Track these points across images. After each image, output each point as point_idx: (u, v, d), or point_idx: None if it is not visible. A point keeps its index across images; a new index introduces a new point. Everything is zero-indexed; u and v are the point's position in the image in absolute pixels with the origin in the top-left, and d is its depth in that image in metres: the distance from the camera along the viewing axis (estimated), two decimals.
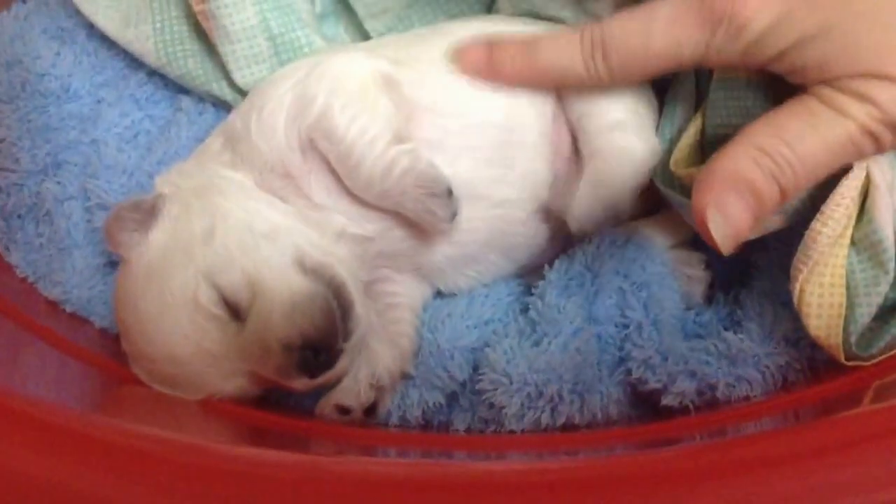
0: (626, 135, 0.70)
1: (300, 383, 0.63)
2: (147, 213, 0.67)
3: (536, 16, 0.79)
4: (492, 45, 0.69)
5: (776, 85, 0.63)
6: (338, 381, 0.67)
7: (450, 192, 0.65)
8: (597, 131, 0.71)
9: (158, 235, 0.66)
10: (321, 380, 0.64)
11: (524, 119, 0.71)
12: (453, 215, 0.66)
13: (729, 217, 0.56)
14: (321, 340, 0.62)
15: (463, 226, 0.69)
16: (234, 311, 0.63)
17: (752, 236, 0.65)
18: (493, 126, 0.70)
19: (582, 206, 0.69)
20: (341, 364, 0.64)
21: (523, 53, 0.67)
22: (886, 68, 0.54)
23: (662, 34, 0.60)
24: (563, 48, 0.66)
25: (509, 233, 0.72)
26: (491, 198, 0.70)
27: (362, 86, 0.68)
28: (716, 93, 0.66)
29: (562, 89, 0.72)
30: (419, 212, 0.66)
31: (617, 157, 0.69)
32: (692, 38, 0.59)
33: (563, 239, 0.74)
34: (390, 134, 0.66)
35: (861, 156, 0.57)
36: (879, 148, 0.56)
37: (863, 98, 0.54)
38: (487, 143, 0.70)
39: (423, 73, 0.71)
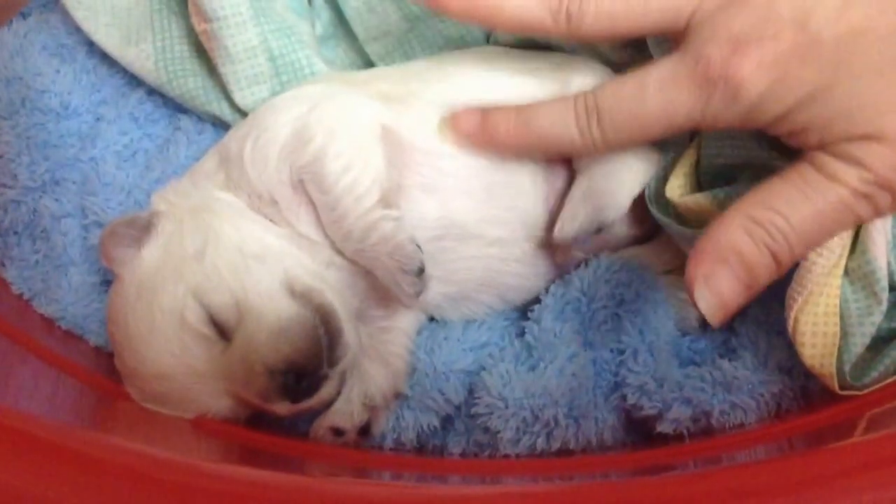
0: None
1: (282, 408, 0.63)
2: (142, 229, 0.67)
3: (535, 43, 0.80)
4: (485, 111, 0.68)
5: None
6: (323, 406, 0.67)
7: (421, 271, 0.65)
8: None
9: (151, 252, 0.66)
10: (304, 405, 0.64)
11: (516, 159, 0.71)
12: (419, 293, 0.66)
13: (716, 290, 0.56)
14: (305, 366, 0.62)
15: (458, 265, 0.70)
16: (221, 331, 0.63)
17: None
18: (485, 166, 0.70)
19: (569, 213, 0.69)
20: (325, 390, 0.64)
21: (517, 119, 0.67)
22: (885, 128, 0.53)
23: (655, 99, 0.59)
24: (557, 114, 0.64)
25: (505, 272, 0.72)
26: (485, 237, 0.70)
27: (360, 135, 0.68)
28: None
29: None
30: (387, 281, 0.66)
31: (609, 168, 0.69)
32: (686, 102, 0.58)
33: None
34: (379, 194, 0.66)
35: (859, 219, 0.56)
36: (877, 211, 0.55)
37: (855, 162, 0.54)
38: (480, 182, 0.70)
39: (418, 112, 0.71)
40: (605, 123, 0.62)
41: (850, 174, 0.54)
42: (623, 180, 0.69)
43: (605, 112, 0.62)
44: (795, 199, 0.55)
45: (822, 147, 0.55)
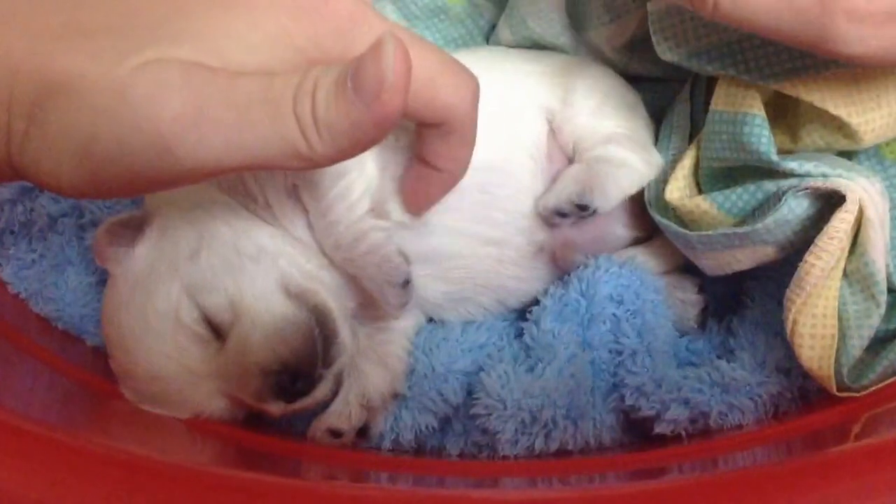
0: (621, 148, 0.70)
1: (277, 408, 0.63)
2: (136, 228, 0.66)
3: (535, 43, 0.80)
4: None
5: (775, 118, 0.63)
6: (318, 407, 0.67)
7: (407, 283, 0.66)
8: (591, 147, 0.71)
9: (145, 251, 0.65)
10: (298, 406, 0.63)
11: (515, 161, 0.71)
12: (404, 305, 0.66)
13: None
14: (299, 366, 0.62)
15: (457, 263, 0.70)
16: (216, 331, 0.63)
17: (747, 267, 0.65)
18: (483, 169, 0.69)
19: (557, 186, 0.69)
20: (320, 391, 0.64)
21: None
22: None
23: None
24: None
25: (502, 275, 0.72)
26: (481, 237, 0.70)
27: None
28: (711, 125, 0.66)
29: (554, 124, 0.73)
30: (373, 290, 0.66)
31: (608, 162, 0.70)
32: None
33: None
34: (369, 203, 0.66)
35: None
36: None
37: None
38: (477, 182, 0.69)
39: None
40: None
41: None
42: (619, 176, 0.69)
43: None
44: None
45: None
